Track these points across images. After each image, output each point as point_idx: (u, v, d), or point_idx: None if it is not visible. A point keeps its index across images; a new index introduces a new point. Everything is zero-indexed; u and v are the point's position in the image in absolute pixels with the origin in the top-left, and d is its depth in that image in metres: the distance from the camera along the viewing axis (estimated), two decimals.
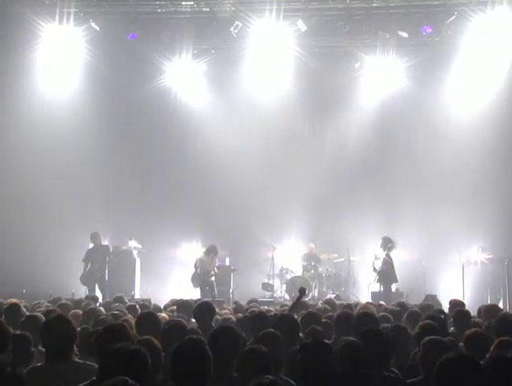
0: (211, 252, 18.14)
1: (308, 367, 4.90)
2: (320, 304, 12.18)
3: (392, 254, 17.52)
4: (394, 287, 17.75)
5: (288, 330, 6.70)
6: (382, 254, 17.59)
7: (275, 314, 8.77)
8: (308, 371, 4.85)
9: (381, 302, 13.17)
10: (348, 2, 17.74)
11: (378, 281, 17.45)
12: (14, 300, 9.97)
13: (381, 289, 17.41)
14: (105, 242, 18.53)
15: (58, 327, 5.68)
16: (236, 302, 13.46)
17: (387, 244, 17.42)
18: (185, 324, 7.13)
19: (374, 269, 17.51)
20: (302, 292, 9.24)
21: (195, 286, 18.00)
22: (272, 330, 6.37)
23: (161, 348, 5.49)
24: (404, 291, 17.61)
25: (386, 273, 17.37)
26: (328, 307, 10.62)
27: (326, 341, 7.38)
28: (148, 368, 4.39)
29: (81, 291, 17.36)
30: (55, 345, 5.63)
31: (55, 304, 10.43)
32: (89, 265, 17.64)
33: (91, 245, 17.94)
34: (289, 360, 5.83)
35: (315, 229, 19.82)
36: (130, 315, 8.93)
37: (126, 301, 11.68)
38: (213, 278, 18.11)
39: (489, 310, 9.64)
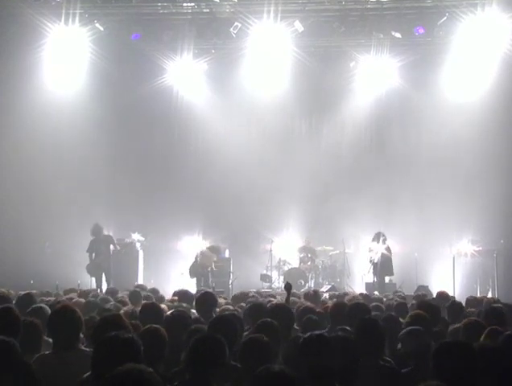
0: (214, 250, 18.23)
1: (311, 364, 4.85)
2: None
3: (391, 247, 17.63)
4: (387, 278, 17.81)
5: (283, 319, 6.65)
6: (380, 247, 17.65)
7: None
8: (311, 367, 4.81)
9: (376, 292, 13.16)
10: (344, 3, 17.72)
11: (374, 272, 17.50)
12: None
13: (375, 279, 17.48)
14: (109, 233, 18.53)
15: (64, 317, 5.70)
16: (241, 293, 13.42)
17: (379, 237, 17.50)
18: (189, 315, 7.14)
19: (371, 261, 17.54)
20: (288, 288, 8.76)
21: (191, 277, 18.06)
22: (269, 319, 6.36)
23: (167, 338, 5.51)
24: (397, 282, 17.68)
25: (383, 266, 17.41)
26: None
27: (323, 331, 7.47)
28: (141, 357, 4.33)
29: (87, 282, 17.43)
30: (62, 334, 5.63)
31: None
32: (94, 256, 17.67)
33: (92, 237, 17.94)
34: (285, 349, 5.83)
35: (311, 223, 19.85)
36: (130, 305, 8.96)
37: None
38: (209, 269, 18.18)
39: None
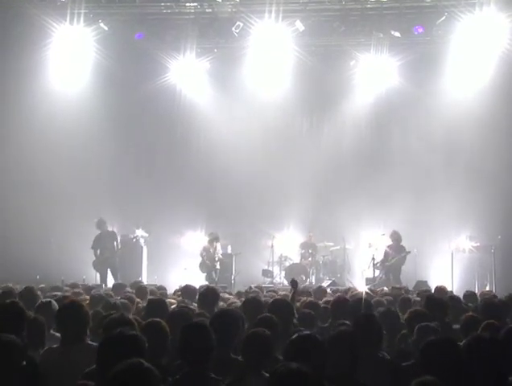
0: (213, 239, 18.33)
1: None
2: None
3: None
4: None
5: (282, 314, 6.68)
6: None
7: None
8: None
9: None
10: (344, 3, 17.73)
11: (381, 267, 17.52)
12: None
13: (376, 275, 17.49)
14: (113, 229, 18.56)
15: (72, 312, 5.76)
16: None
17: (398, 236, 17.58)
18: (192, 310, 7.17)
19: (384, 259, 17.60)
20: (294, 284, 8.66)
21: (203, 272, 18.22)
22: (269, 314, 6.40)
23: (169, 332, 5.54)
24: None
25: (396, 266, 17.46)
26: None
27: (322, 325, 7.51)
28: (144, 353, 4.38)
29: (92, 277, 17.48)
30: (69, 329, 5.69)
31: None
32: (99, 251, 17.71)
33: (98, 232, 18.01)
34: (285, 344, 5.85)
35: (312, 219, 19.87)
36: (138, 299, 9.01)
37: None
38: (218, 265, 18.28)
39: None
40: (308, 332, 5.28)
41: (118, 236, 18.34)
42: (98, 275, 17.71)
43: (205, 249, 18.35)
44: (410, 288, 14.11)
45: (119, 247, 18.01)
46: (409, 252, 17.56)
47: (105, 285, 16.49)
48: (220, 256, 18.49)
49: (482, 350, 4.88)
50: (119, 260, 17.86)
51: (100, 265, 17.58)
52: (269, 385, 3.99)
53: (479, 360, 4.79)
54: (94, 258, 17.71)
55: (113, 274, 17.43)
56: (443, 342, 4.93)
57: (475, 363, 4.78)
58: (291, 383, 3.88)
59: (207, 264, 18.23)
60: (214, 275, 18.06)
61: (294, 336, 5.03)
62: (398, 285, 13.82)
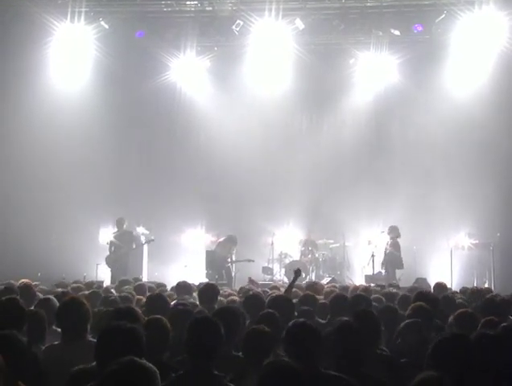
0: (230, 242, 18.14)
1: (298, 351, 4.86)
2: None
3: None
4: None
5: (283, 310, 6.66)
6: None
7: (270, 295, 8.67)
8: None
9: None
10: (344, 1, 17.76)
11: (380, 264, 17.56)
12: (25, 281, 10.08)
13: (384, 272, 17.53)
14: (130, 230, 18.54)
15: (73, 309, 5.75)
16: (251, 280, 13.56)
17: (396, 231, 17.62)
18: (193, 305, 7.16)
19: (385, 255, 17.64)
20: (297, 273, 9.09)
21: (210, 273, 18.08)
22: (270, 310, 6.39)
23: (170, 328, 5.52)
24: (396, 274, 17.72)
25: (392, 260, 17.49)
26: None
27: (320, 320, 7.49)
28: (143, 346, 4.34)
29: (92, 275, 17.44)
30: (70, 326, 5.69)
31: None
32: (114, 249, 17.72)
33: (115, 229, 18.03)
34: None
35: (312, 216, 19.85)
36: (138, 296, 9.00)
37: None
38: (228, 266, 18.17)
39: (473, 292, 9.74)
40: (303, 320, 5.31)
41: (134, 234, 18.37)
42: (98, 272, 17.67)
43: (220, 245, 18.22)
44: (410, 285, 14.08)
45: (134, 247, 18.05)
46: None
47: (114, 283, 16.39)
48: (233, 259, 18.39)
49: (484, 347, 4.85)
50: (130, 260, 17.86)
51: (113, 262, 17.59)
52: (259, 381, 3.96)
53: (481, 357, 4.77)
54: (108, 253, 17.75)
55: (122, 273, 17.38)
56: (456, 338, 4.90)
57: (477, 360, 4.76)
58: (280, 379, 3.86)
59: (216, 265, 18.07)
60: (224, 275, 17.89)
61: (290, 324, 5.06)
62: (384, 283, 13.88)
